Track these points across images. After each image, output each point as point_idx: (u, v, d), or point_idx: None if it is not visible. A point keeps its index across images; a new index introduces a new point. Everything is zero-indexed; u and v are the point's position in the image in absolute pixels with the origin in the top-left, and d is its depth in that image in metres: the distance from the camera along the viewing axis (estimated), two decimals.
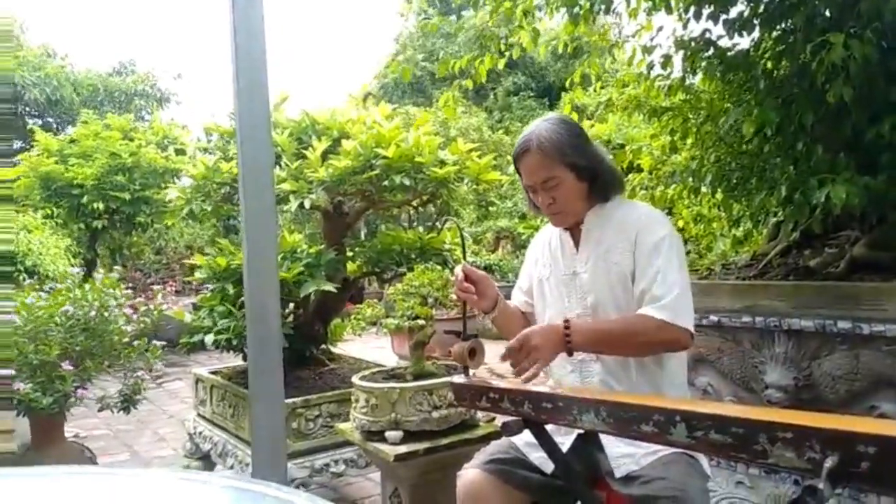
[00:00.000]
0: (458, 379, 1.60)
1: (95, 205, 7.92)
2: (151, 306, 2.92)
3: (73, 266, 3.10)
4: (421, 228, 8.25)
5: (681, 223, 3.19)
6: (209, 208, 3.23)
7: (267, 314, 1.59)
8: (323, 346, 3.65)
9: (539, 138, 1.65)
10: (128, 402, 2.71)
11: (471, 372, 1.66)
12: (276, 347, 1.62)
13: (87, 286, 2.56)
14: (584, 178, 1.67)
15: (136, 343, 2.72)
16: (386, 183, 2.99)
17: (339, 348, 3.92)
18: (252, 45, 1.62)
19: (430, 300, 2.72)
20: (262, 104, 1.60)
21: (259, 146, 1.58)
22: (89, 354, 2.47)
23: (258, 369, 1.62)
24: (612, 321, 1.61)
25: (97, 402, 2.73)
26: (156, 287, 3.43)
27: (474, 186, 3.42)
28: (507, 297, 1.94)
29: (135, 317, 2.72)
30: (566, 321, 1.54)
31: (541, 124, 1.69)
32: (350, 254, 3.58)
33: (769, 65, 2.29)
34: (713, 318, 2.18)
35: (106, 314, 2.52)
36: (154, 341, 2.91)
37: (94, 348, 2.48)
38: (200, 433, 3.35)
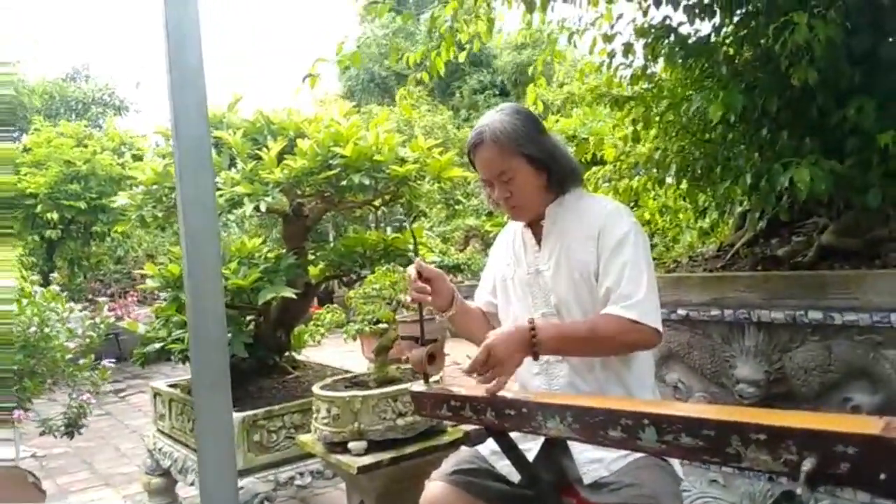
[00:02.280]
0: (417, 387, 1.52)
1: (49, 215, 7.68)
2: (97, 319, 2.77)
3: (24, 279, 2.93)
4: (389, 230, 8.16)
5: (647, 215, 3.15)
6: (160, 214, 3.09)
7: (210, 323, 1.48)
8: (287, 353, 3.53)
9: (492, 129, 1.57)
10: (72, 427, 2.56)
11: (431, 378, 1.57)
12: (222, 358, 1.51)
13: (24, 301, 2.42)
14: (541, 169, 1.60)
15: (81, 361, 2.57)
16: (345, 183, 2.89)
17: (304, 355, 3.80)
18: (186, 35, 1.51)
19: (393, 303, 2.63)
20: (197, 96, 1.49)
21: (196, 140, 1.47)
22: (29, 374, 2.33)
23: (202, 383, 1.51)
24: (578, 322, 1.53)
25: (39, 426, 2.58)
26: (101, 299, 3.28)
27: (438, 185, 3.33)
28: (472, 296, 1.87)
29: (80, 331, 2.57)
30: (532, 323, 1.44)
31: (494, 115, 1.61)
32: (312, 257, 3.47)
33: (731, 50, 2.25)
34: (681, 311, 2.12)
35: (47, 330, 2.38)
36: (104, 361, 2.76)
37: (35, 367, 2.34)
38: (160, 449, 3.22)
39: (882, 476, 0.85)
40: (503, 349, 1.40)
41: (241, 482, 2.61)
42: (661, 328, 1.47)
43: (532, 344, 1.42)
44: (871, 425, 0.89)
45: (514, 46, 15.47)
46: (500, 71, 16.89)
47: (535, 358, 1.46)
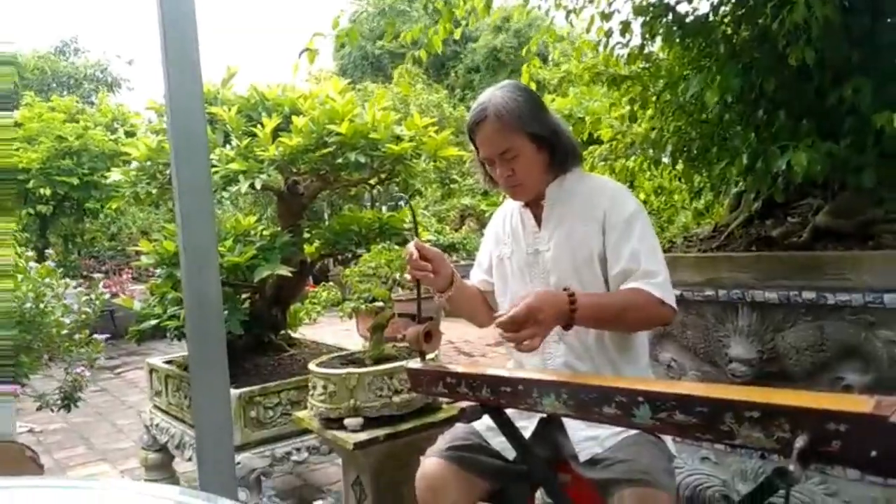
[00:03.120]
0: (414, 364, 1.53)
1: (42, 190, 7.64)
2: (93, 296, 2.77)
3: (19, 255, 2.92)
4: (384, 208, 8.16)
5: (642, 196, 3.15)
6: (155, 191, 3.08)
7: (206, 301, 1.49)
8: (282, 331, 3.54)
9: (496, 106, 1.56)
10: (68, 400, 2.57)
11: (427, 356, 1.59)
12: (218, 335, 1.52)
13: (20, 276, 2.42)
14: (543, 147, 1.60)
15: (76, 336, 2.57)
16: (340, 161, 2.88)
17: (300, 333, 3.82)
18: (181, 11, 1.50)
19: (389, 281, 2.63)
20: (192, 73, 1.48)
21: (191, 119, 1.47)
22: (24, 349, 2.33)
23: (200, 360, 1.52)
24: (611, 294, 1.52)
25: (35, 401, 2.59)
26: (97, 275, 3.27)
27: (434, 163, 3.33)
28: (467, 275, 1.87)
29: (75, 307, 2.57)
30: (570, 292, 1.41)
31: (496, 92, 1.60)
32: (307, 235, 3.47)
33: (729, 30, 2.24)
34: (675, 291, 2.11)
35: (42, 305, 2.38)
36: (96, 335, 2.76)
37: (31, 342, 2.34)
38: (157, 425, 3.24)
39: (873, 454, 0.86)
40: (543, 310, 1.35)
41: (238, 458, 2.63)
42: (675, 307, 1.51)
43: (571, 311, 1.39)
44: (863, 404, 0.90)
45: (491, 30, 15.37)
46: (476, 52, 16.78)
47: (567, 328, 1.42)
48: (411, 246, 1.58)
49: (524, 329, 1.34)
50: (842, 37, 1.91)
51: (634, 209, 1.56)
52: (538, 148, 1.59)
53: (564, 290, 1.42)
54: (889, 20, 1.97)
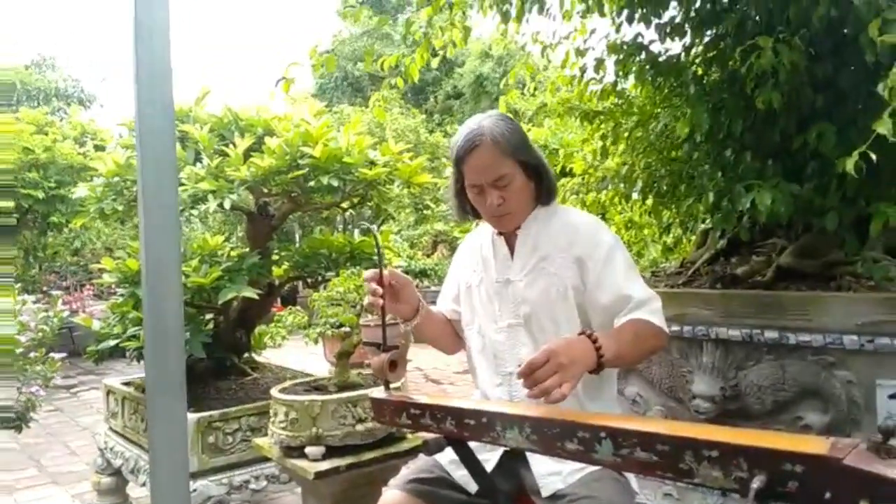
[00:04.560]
0: (378, 393, 1.50)
1: (4, 202, 7.46)
2: (51, 313, 2.69)
3: None
4: (357, 232, 8.13)
5: (613, 229, 3.18)
6: (121, 207, 3.03)
7: (166, 321, 1.44)
8: (246, 354, 3.48)
9: (492, 133, 1.55)
10: (20, 420, 2.48)
11: (392, 385, 1.56)
12: (178, 357, 1.47)
13: None
14: (531, 177, 1.60)
15: (32, 354, 2.49)
16: (312, 183, 2.86)
17: (265, 356, 3.75)
18: (154, 25, 1.48)
19: (357, 306, 2.61)
20: (164, 88, 1.45)
21: (160, 134, 1.44)
22: None
23: (157, 383, 1.47)
24: (623, 330, 1.46)
25: None
26: (55, 293, 3.19)
27: (408, 189, 3.33)
28: (434, 302, 1.86)
29: (32, 325, 2.50)
30: (590, 335, 1.34)
31: (486, 120, 1.59)
32: (276, 257, 3.43)
33: (699, 70, 2.30)
34: None
35: None
36: (53, 353, 2.68)
37: None
38: (112, 448, 3.15)
39: (827, 495, 0.86)
40: (566, 354, 1.27)
41: (194, 485, 2.56)
42: None
43: (598, 356, 1.33)
44: (819, 445, 0.90)
45: (477, 55, 15.52)
46: (462, 77, 16.92)
47: (597, 371, 1.35)
48: (369, 273, 1.56)
49: (548, 378, 1.24)
50: (807, 83, 1.96)
51: (613, 241, 1.57)
52: (528, 177, 1.60)
53: (581, 333, 1.36)
54: (852, 67, 2.04)
